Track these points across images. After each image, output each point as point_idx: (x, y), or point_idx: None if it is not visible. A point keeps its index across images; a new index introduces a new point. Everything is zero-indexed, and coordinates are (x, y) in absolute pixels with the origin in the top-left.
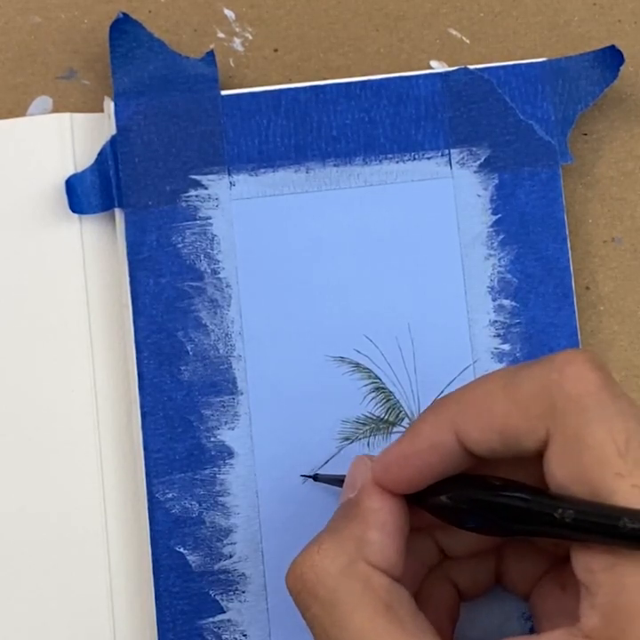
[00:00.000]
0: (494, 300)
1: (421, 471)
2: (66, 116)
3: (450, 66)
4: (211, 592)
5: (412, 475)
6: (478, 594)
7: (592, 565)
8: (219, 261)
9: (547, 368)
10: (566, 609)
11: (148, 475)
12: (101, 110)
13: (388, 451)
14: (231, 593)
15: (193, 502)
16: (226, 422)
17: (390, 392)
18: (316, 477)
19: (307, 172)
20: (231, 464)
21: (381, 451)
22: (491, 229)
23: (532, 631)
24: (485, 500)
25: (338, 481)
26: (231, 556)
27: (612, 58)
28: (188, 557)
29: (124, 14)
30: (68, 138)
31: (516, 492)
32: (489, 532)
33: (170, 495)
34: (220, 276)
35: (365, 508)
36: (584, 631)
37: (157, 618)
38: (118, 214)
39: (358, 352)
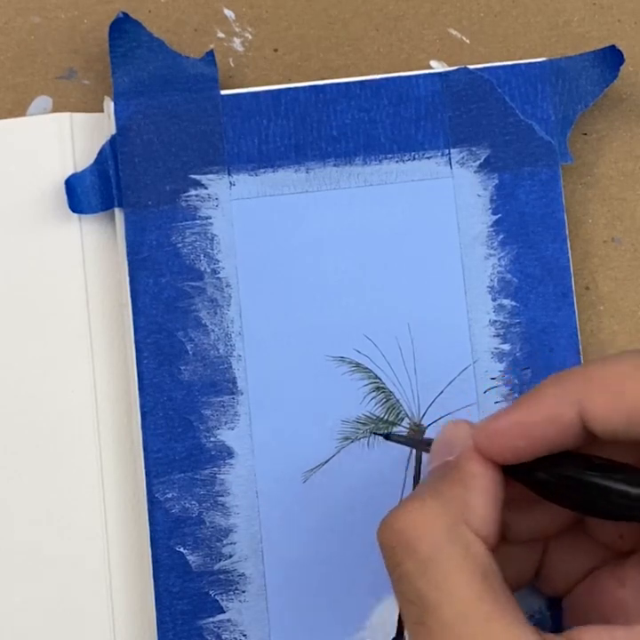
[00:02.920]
0: (494, 299)
1: (533, 443)
2: (66, 115)
3: (450, 66)
4: (210, 592)
5: (522, 445)
6: (517, 588)
7: None
8: (219, 261)
9: None
10: (623, 604)
11: (147, 475)
12: (101, 110)
13: (496, 419)
14: (231, 593)
15: (193, 502)
16: (226, 422)
17: (390, 392)
18: (388, 436)
19: (307, 172)
20: (231, 464)
21: (484, 418)
22: (491, 229)
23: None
24: (591, 481)
25: (409, 442)
26: (231, 556)
27: (611, 58)
28: (188, 557)
29: (124, 14)
30: (68, 138)
31: (618, 473)
32: (585, 511)
33: (170, 495)
34: (220, 275)
35: (467, 472)
36: None
37: (157, 618)
38: (118, 214)
39: (358, 352)
